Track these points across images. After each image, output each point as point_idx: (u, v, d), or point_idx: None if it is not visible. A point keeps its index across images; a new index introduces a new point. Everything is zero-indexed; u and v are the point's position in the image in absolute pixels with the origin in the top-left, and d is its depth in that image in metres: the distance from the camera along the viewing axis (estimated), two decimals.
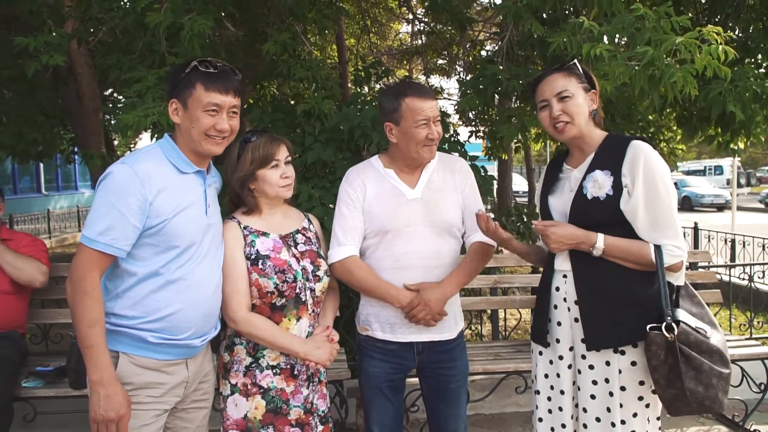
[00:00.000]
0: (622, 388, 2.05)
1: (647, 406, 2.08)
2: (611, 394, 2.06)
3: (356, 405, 3.58)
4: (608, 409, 2.07)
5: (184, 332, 1.99)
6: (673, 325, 1.91)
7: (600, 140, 2.14)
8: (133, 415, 1.91)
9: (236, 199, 2.23)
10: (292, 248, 2.21)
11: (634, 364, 2.05)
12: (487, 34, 8.47)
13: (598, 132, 2.17)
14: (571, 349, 2.15)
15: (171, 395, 2.02)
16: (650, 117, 5.26)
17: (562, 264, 2.14)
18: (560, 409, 2.18)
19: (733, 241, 7.76)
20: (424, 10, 7.17)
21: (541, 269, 2.35)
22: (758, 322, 5.06)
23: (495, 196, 10.25)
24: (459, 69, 8.09)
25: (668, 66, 2.94)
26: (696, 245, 8.01)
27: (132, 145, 18.92)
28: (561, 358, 2.17)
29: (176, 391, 2.03)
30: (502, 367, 3.42)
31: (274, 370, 2.16)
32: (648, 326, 1.93)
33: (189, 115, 1.96)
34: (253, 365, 2.15)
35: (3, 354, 2.96)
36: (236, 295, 2.10)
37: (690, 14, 4.65)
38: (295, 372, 2.18)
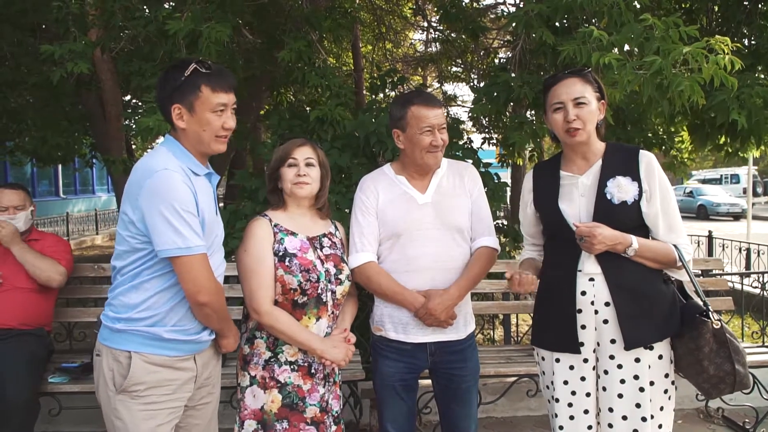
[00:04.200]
0: (651, 383, 2.13)
1: (669, 398, 2.18)
2: (641, 389, 2.12)
3: (370, 406, 3.64)
4: (638, 405, 2.12)
5: (194, 323, 2.05)
6: (714, 314, 2.06)
7: (602, 148, 2.23)
8: (149, 415, 1.98)
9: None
10: (318, 250, 2.30)
11: (660, 357, 2.14)
12: (501, 42, 8.52)
13: (600, 141, 2.25)
14: (593, 351, 2.19)
15: (182, 391, 2.07)
16: (661, 126, 5.27)
17: (591, 267, 2.16)
18: (585, 412, 2.22)
19: (747, 250, 7.72)
20: (438, 18, 7.23)
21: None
22: None
23: (508, 203, 10.26)
24: (473, 76, 8.13)
25: (675, 75, 2.99)
26: (711, 254, 7.97)
27: (150, 150, 19.14)
28: (586, 361, 2.20)
29: (187, 387, 2.08)
30: (514, 370, 3.46)
31: (291, 366, 2.23)
32: (697, 315, 2.07)
33: (197, 119, 1.98)
34: (272, 359, 2.23)
35: (30, 350, 3.05)
36: (262, 289, 2.19)
37: (703, 22, 4.69)
38: (312, 370, 2.25)
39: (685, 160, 5.67)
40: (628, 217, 2.13)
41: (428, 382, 2.58)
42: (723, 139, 4.68)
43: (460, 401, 2.47)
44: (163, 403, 2.01)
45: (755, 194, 22.93)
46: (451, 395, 2.47)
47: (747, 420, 3.86)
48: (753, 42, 4.63)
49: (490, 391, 3.84)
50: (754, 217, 15.12)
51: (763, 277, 4.90)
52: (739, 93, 3.60)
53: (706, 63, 2.94)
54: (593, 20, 3.89)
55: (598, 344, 2.18)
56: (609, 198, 2.14)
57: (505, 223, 6.14)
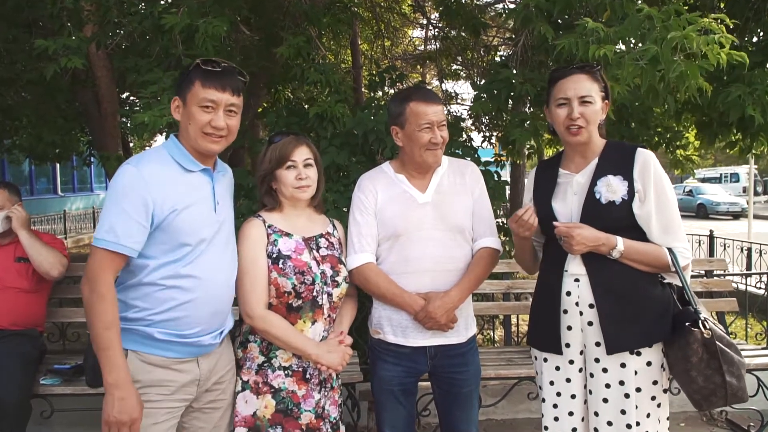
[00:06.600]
0: (638, 389, 2.07)
1: (659, 405, 2.12)
2: (627, 395, 2.07)
3: (368, 408, 3.59)
4: (623, 412, 2.07)
5: (192, 328, 2.00)
6: (706, 322, 1.97)
7: (601, 146, 2.19)
8: (145, 413, 1.93)
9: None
10: (314, 251, 2.23)
11: (649, 364, 2.08)
12: (501, 39, 8.47)
13: (600, 139, 2.21)
14: (581, 352, 2.16)
15: (182, 393, 2.03)
16: (667, 123, 5.21)
17: (575, 268, 2.13)
18: (570, 413, 2.18)
19: (749, 250, 7.67)
20: (438, 15, 7.18)
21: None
22: None
23: (507, 200, 10.22)
24: (473, 73, 8.08)
25: (673, 61, 2.91)
26: (711, 253, 7.92)
27: (147, 147, 19.12)
28: (571, 362, 2.17)
29: (188, 389, 2.04)
30: (515, 372, 3.41)
31: (286, 372, 2.17)
32: (686, 323, 1.98)
33: (186, 111, 1.99)
34: (265, 364, 2.17)
35: (22, 351, 3.01)
36: (255, 292, 2.12)
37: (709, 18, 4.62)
38: (307, 375, 2.19)
39: (692, 157, 5.61)
40: (617, 217, 2.08)
41: (427, 384, 2.52)
42: (734, 136, 4.62)
43: (461, 406, 2.41)
44: (160, 402, 1.98)
45: (756, 193, 22.90)
46: (451, 400, 2.41)
47: (752, 424, 3.80)
48: (762, 39, 4.55)
49: (491, 393, 3.79)
50: (755, 216, 15.06)
51: (767, 277, 4.84)
52: (751, 90, 3.54)
53: (706, 45, 2.85)
54: (595, 14, 3.83)
55: (585, 346, 2.14)
56: (597, 197, 2.09)
57: (505, 221, 6.09)
